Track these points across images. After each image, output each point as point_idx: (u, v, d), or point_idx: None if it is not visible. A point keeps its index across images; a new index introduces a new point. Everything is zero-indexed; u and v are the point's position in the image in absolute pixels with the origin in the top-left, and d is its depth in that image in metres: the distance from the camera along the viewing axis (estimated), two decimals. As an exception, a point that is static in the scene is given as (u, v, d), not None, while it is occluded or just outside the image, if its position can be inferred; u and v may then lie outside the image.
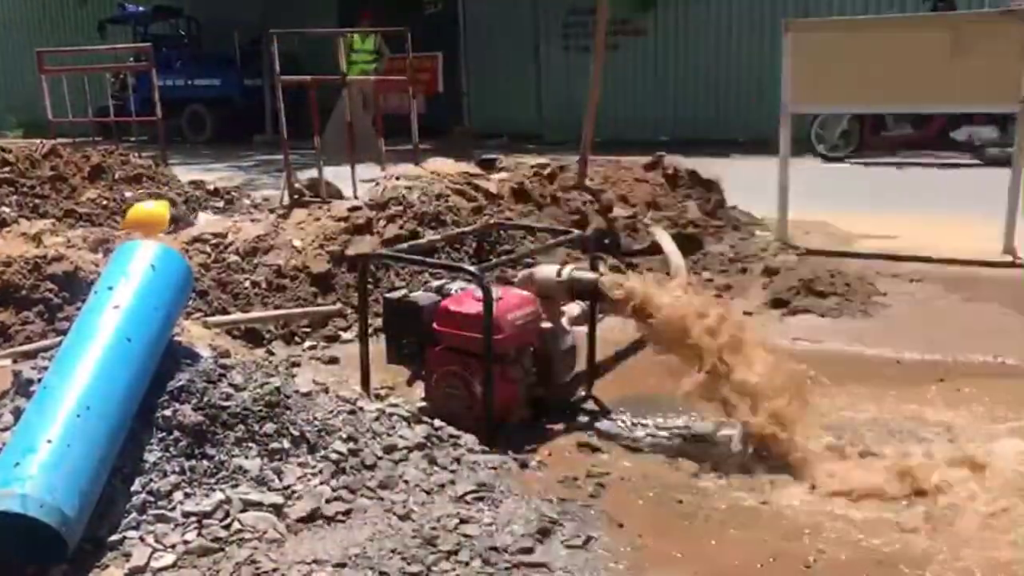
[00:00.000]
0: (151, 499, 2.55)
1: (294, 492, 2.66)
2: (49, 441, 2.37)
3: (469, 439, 3.12)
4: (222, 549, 2.45)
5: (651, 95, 14.99)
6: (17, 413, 2.78)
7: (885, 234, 6.73)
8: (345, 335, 4.62)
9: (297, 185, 7.55)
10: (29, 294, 4.24)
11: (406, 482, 2.78)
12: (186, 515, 2.53)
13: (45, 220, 5.69)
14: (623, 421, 3.59)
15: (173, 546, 2.44)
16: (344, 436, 2.87)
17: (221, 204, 7.76)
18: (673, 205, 6.61)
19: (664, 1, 14.67)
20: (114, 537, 2.46)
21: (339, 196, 7.20)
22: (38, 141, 7.68)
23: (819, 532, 2.71)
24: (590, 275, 3.65)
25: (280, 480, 2.68)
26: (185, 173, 8.81)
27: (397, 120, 10.11)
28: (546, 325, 3.58)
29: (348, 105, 7.45)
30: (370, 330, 3.79)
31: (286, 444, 2.79)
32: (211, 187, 8.21)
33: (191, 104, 16.88)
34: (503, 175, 6.28)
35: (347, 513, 2.63)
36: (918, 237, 6.53)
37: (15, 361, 3.64)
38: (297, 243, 5.05)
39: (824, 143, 11.41)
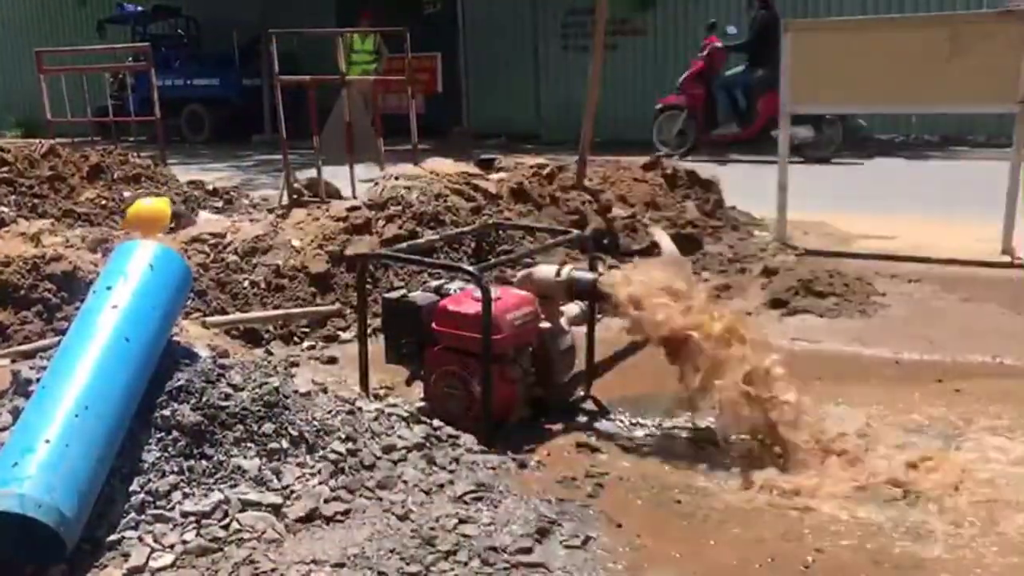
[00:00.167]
0: (150, 499, 2.55)
1: (293, 492, 2.66)
2: (47, 441, 2.37)
3: (468, 439, 3.12)
4: (221, 549, 2.45)
5: (650, 95, 14.97)
6: (15, 413, 2.78)
7: (883, 234, 6.74)
8: (344, 335, 4.62)
9: (296, 185, 7.56)
10: (28, 294, 4.24)
11: (405, 482, 2.79)
12: (185, 515, 2.53)
13: (44, 220, 5.69)
14: (622, 421, 3.59)
15: (172, 546, 2.44)
16: (343, 436, 2.87)
17: (220, 204, 7.76)
18: (672, 205, 6.61)
19: (663, 1, 14.68)
20: (112, 537, 2.45)
21: (338, 196, 7.21)
22: (37, 141, 7.69)
23: (818, 532, 2.71)
24: (589, 275, 3.65)
25: (279, 480, 2.68)
26: (184, 173, 8.81)
27: (396, 120, 10.13)
28: (545, 325, 3.58)
29: (347, 105, 7.45)
30: (369, 330, 3.79)
31: (285, 444, 2.79)
32: (210, 187, 8.21)
33: (190, 104, 16.89)
34: (502, 175, 6.29)
35: (346, 513, 2.63)
36: (916, 237, 6.54)
37: (13, 361, 3.64)
38: (296, 243, 5.05)
39: (663, 141, 12.01)
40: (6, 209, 6.30)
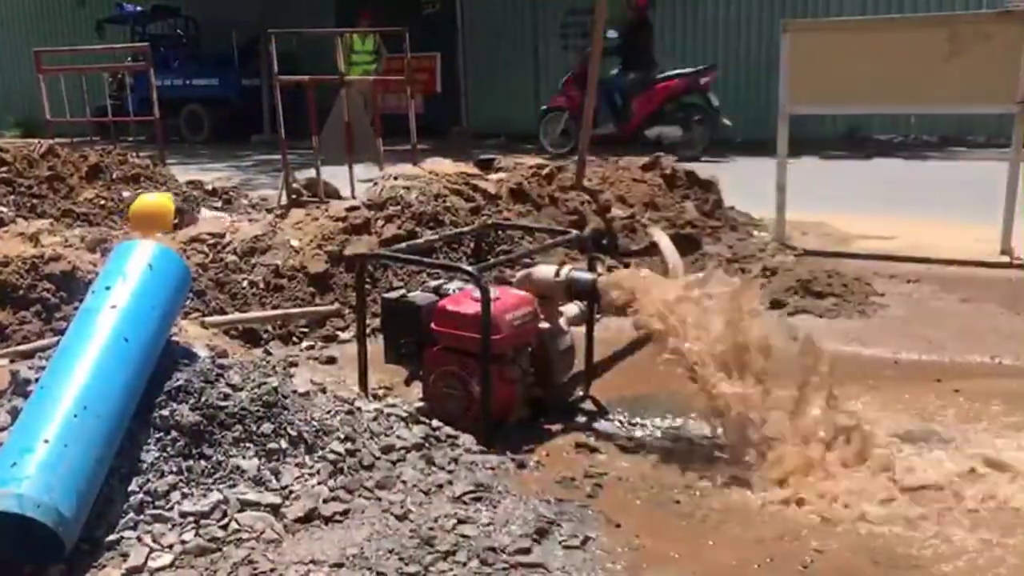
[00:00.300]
0: (148, 499, 2.55)
1: (292, 492, 2.66)
2: (46, 441, 2.37)
3: (467, 439, 3.12)
4: (219, 549, 2.45)
5: (649, 95, 15.00)
6: (14, 413, 2.78)
7: (882, 234, 6.74)
8: (343, 335, 4.62)
9: (295, 185, 7.56)
10: (26, 294, 4.24)
11: (404, 482, 2.79)
12: (183, 515, 2.53)
13: (43, 220, 5.69)
14: (621, 421, 3.59)
15: (170, 546, 2.44)
16: (342, 436, 2.87)
17: (219, 204, 7.76)
18: (671, 205, 6.60)
19: (662, 1, 14.68)
20: (111, 537, 2.46)
21: (337, 196, 7.21)
22: (36, 141, 7.68)
23: (817, 533, 2.71)
24: (588, 275, 3.66)
25: (278, 480, 2.68)
26: (183, 173, 8.81)
27: (395, 120, 10.13)
28: (544, 325, 3.58)
29: (346, 105, 7.45)
30: (368, 330, 3.79)
31: (284, 444, 2.79)
32: (209, 187, 8.21)
33: (189, 104, 16.89)
34: (501, 175, 6.28)
35: (344, 513, 2.63)
36: (915, 237, 6.55)
37: (12, 361, 3.64)
38: (295, 243, 5.05)
39: (549, 141, 12.53)
40: (5, 209, 6.30)
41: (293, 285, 4.83)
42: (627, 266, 5.48)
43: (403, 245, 4.28)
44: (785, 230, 6.51)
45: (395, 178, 5.67)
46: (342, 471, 2.77)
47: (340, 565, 2.40)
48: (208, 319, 4.35)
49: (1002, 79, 5.70)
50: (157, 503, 2.55)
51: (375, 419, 3.04)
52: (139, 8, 17.81)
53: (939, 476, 2.99)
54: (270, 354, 4.27)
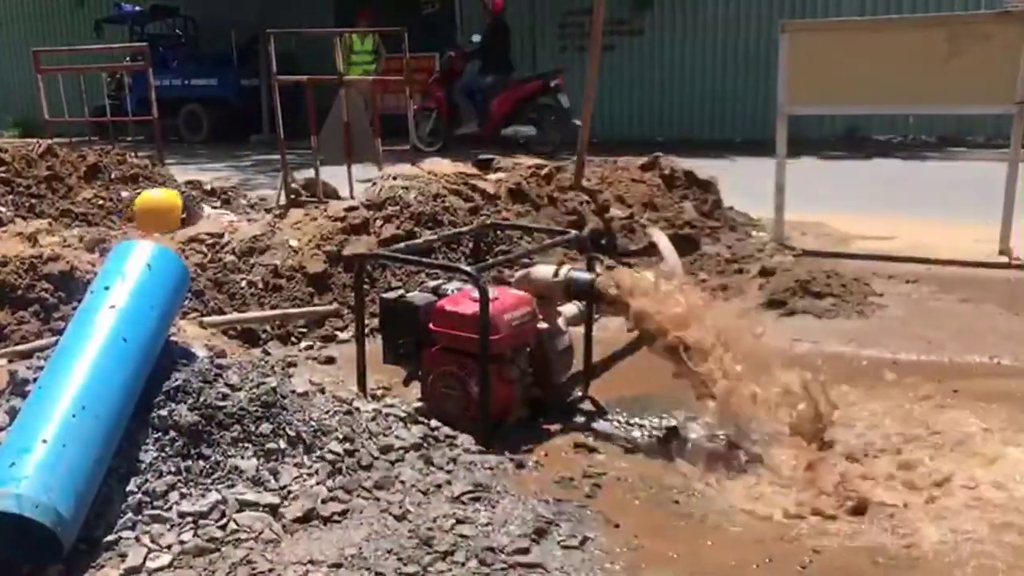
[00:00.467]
0: (147, 499, 2.55)
1: (290, 492, 2.66)
2: (45, 441, 2.36)
3: (465, 439, 3.12)
4: (218, 549, 2.45)
5: (648, 95, 15.01)
6: (13, 413, 2.77)
7: (881, 235, 6.74)
8: (341, 335, 4.62)
9: (294, 185, 7.54)
10: (25, 294, 4.24)
11: (402, 482, 2.79)
12: (182, 515, 2.53)
13: (41, 220, 5.69)
14: (619, 421, 3.59)
15: (169, 546, 2.44)
16: (340, 436, 2.87)
17: (218, 204, 7.75)
18: (670, 206, 6.61)
19: (660, 1, 14.69)
20: (110, 537, 2.46)
21: (336, 196, 7.20)
22: (34, 140, 7.68)
23: (815, 533, 2.71)
24: (587, 275, 3.66)
25: (276, 480, 2.68)
26: (181, 173, 8.80)
27: (394, 120, 10.13)
28: (542, 325, 3.58)
29: (345, 105, 7.44)
30: (367, 330, 3.78)
31: (282, 444, 2.78)
32: (208, 187, 8.20)
33: (188, 104, 16.87)
34: (500, 175, 6.28)
35: (343, 513, 2.63)
36: (914, 237, 6.55)
37: (11, 361, 3.64)
38: (294, 243, 5.05)
39: (420, 138, 12.87)
40: (3, 209, 6.29)
41: (292, 285, 4.83)
42: (626, 267, 5.51)
43: (402, 245, 4.27)
44: (784, 230, 6.52)
45: (394, 178, 5.67)
46: (340, 471, 2.77)
47: (338, 565, 2.40)
48: (207, 319, 4.35)
49: (1001, 79, 5.70)
50: (155, 503, 2.55)
51: (374, 419, 3.04)
52: (137, 8, 17.79)
53: (937, 477, 2.99)
54: (269, 354, 4.26)
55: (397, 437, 2.98)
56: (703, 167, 7.30)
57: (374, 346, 3.78)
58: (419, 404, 3.41)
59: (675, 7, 14.66)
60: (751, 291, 5.34)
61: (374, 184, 5.77)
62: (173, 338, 3.17)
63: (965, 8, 12.41)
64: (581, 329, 3.82)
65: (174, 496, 2.57)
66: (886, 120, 13.38)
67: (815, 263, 5.72)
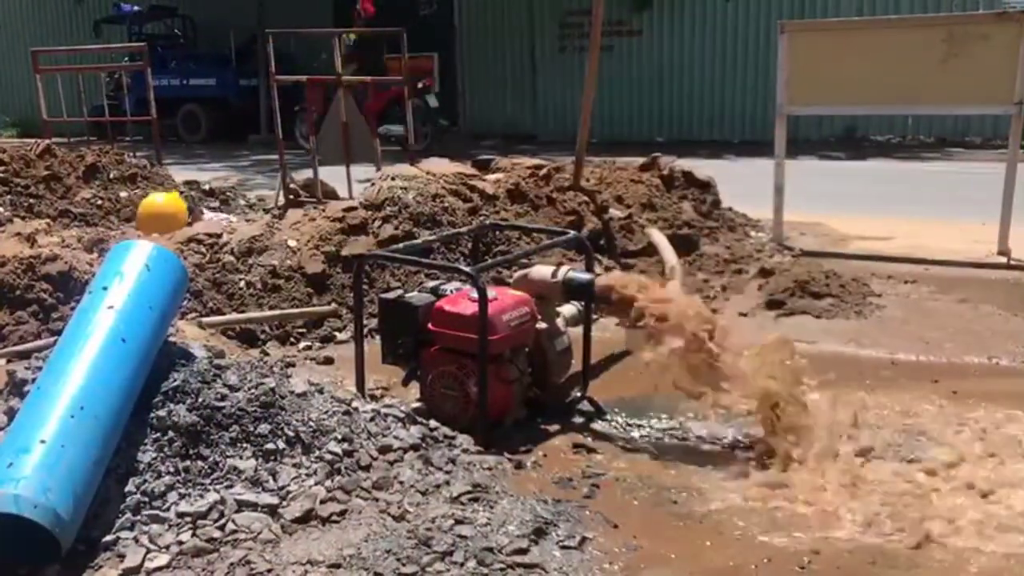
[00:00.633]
0: (145, 499, 2.55)
1: (289, 493, 2.66)
2: (43, 442, 2.36)
3: (464, 440, 3.12)
4: (216, 550, 2.44)
5: (646, 96, 15.02)
6: (11, 413, 2.77)
7: (880, 235, 6.75)
8: (340, 335, 4.61)
9: (292, 185, 7.54)
10: (23, 294, 4.24)
11: (401, 483, 2.78)
12: (180, 516, 2.52)
13: (40, 220, 5.69)
14: (618, 422, 3.59)
15: (167, 547, 2.44)
16: (339, 437, 2.87)
17: (216, 204, 7.75)
18: (668, 206, 6.60)
19: (659, 2, 14.70)
20: (108, 537, 2.45)
21: (334, 196, 7.19)
22: (33, 141, 7.68)
23: (813, 533, 2.71)
24: (585, 276, 3.65)
25: (275, 481, 2.68)
26: (180, 173, 8.81)
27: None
28: (541, 326, 3.58)
29: (343, 106, 7.43)
30: (365, 331, 3.78)
31: (281, 445, 2.78)
32: (206, 187, 8.20)
33: (186, 104, 16.88)
34: (499, 176, 6.28)
35: (342, 514, 2.62)
36: (913, 238, 6.56)
37: (9, 361, 3.64)
38: (292, 243, 5.04)
39: (302, 136, 13.00)
40: (2, 209, 6.30)
41: (290, 285, 4.82)
42: (625, 267, 5.51)
43: (401, 245, 4.27)
44: (783, 230, 6.52)
45: (393, 178, 5.67)
46: (339, 471, 2.77)
47: (337, 566, 2.40)
48: (205, 319, 4.35)
49: (999, 80, 5.71)
50: (154, 503, 2.54)
51: (372, 419, 3.04)
52: (136, 8, 17.79)
53: (936, 477, 2.99)
54: (267, 354, 4.26)
55: (396, 437, 2.98)
56: (702, 167, 7.30)
57: (373, 346, 3.78)
58: (418, 404, 3.41)
59: (674, 8, 14.68)
60: (750, 291, 5.34)
61: (373, 184, 5.76)
62: (172, 338, 3.17)
63: (964, 9, 12.43)
64: (580, 329, 3.82)
65: (172, 496, 2.57)
66: (885, 120, 13.40)
67: (814, 263, 5.72)
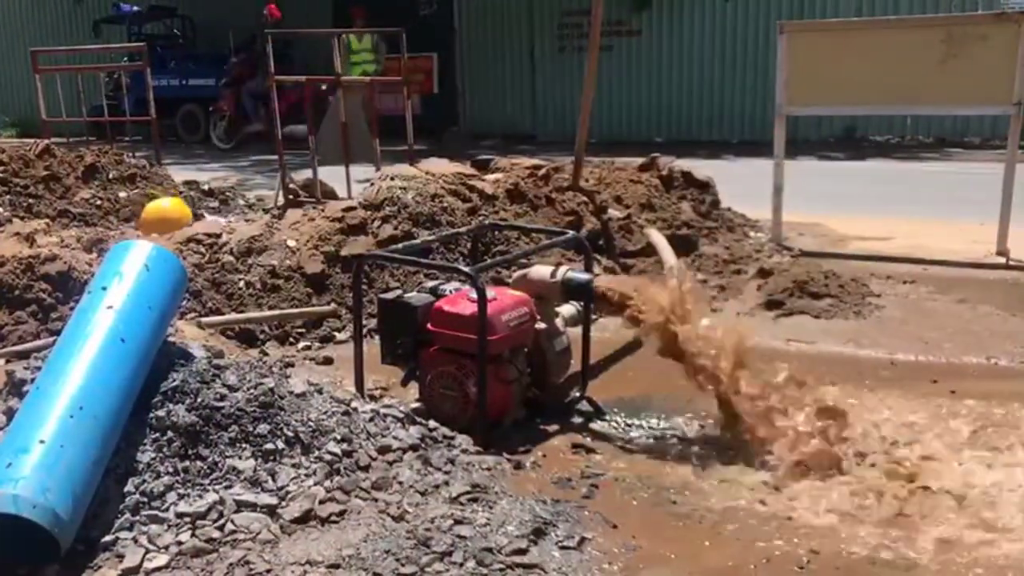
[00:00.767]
0: (144, 500, 2.55)
1: (288, 493, 2.66)
2: (42, 442, 2.36)
3: (463, 440, 3.12)
4: (216, 550, 2.44)
5: (646, 96, 15.02)
6: (10, 413, 2.77)
7: (879, 235, 6.75)
8: (339, 336, 4.61)
9: (292, 185, 7.53)
10: (22, 294, 4.24)
11: (400, 483, 2.78)
12: (179, 516, 2.52)
13: (39, 220, 5.68)
14: (617, 422, 3.59)
15: (166, 547, 2.44)
16: (338, 437, 2.87)
17: (215, 204, 7.75)
18: (667, 206, 6.60)
19: (658, 2, 14.70)
20: (107, 538, 2.45)
21: (334, 196, 7.19)
22: (32, 141, 7.68)
23: (813, 533, 2.71)
24: (584, 276, 3.66)
25: (274, 481, 2.68)
26: (179, 173, 8.80)
27: (392, 120, 10.11)
28: (540, 326, 3.58)
29: (343, 106, 7.44)
30: (364, 331, 3.78)
31: (280, 445, 2.78)
32: (205, 187, 8.20)
33: (186, 104, 16.84)
34: (498, 176, 6.28)
35: (341, 514, 2.62)
36: (911, 238, 6.56)
37: (8, 361, 3.64)
38: (292, 243, 5.05)
39: (218, 137, 14.90)
40: (1, 209, 6.29)
41: (290, 286, 4.82)
42: (624, 267, 5.52)
43: (400, 246, 4.27)
44: (782, 231, 6.52)
45: (392, 178, 5.66)
46: (338, 472, 2.77)
47: (336, 566, 2.40)
48: (205, 319, 4.35)
49: (998, 80, 5.71)
50: (153, 504, 2.54)
51: (371, 420, 3.04)
52: (136, 8, 17.78)
53: (935, 478, 2.99)
54: (266, 355, 4.26)
55: (395, 438, 2.98)
56: (701, 167, 7.30)
57: (372, 346, 3.78)
58: (417, 404, 3.41)
59: (673, 8, 14.67)
60: (749, 292, 5.34)
61: (372, 184, 5.76)
62: (171, 338, 3.17)
63: (963, 9, 12.44)
64: (579, 329, 3.82)
65: (172, 497, 2.57)
66: (884, 121, 13.41)
67: (813, 263, 5.72)
